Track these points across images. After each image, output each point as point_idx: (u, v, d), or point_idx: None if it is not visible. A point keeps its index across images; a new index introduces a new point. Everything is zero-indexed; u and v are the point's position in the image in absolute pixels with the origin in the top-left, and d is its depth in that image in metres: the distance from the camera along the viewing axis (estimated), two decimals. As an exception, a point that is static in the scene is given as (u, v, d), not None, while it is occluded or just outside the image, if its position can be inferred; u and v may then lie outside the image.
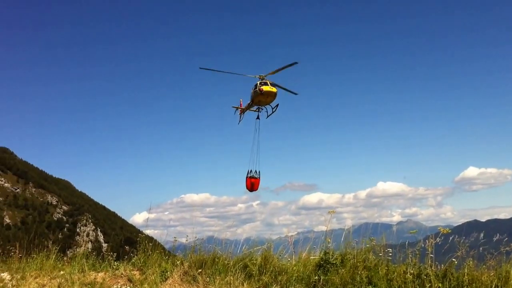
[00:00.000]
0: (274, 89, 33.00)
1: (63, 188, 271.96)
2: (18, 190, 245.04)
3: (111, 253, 18.40)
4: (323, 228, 17.25)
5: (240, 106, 38.66)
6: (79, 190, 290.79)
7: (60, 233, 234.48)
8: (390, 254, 15.33)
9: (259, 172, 34.19)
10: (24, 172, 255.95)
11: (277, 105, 34.86)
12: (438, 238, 15.02)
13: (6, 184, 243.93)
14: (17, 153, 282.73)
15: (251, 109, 36.71)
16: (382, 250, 15.47)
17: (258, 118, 35.62)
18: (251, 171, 34.20)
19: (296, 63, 33.88)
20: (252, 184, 33.86)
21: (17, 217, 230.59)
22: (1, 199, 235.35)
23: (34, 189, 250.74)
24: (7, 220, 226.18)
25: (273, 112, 34.86)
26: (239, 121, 38.86)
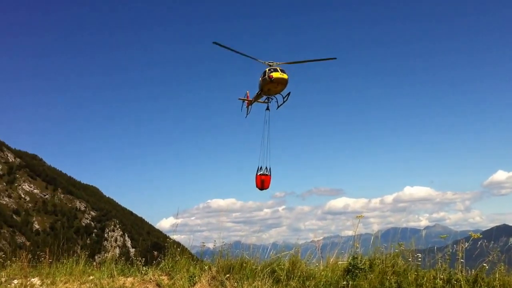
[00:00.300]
0: (285, 76, 30.38)
1: (91, 194, 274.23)
2: (47, 196, 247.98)
3: (139, 258, 18.52)
4: (350, 233, 17.14)
5: (247, 98, 36.92)
6: (107, 196, 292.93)
7: (88, 239, 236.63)
8: (420, 259, 15.15)
9: (269, 169, 32.28)
10: (53, 179, 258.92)
11: (288, 94, 32.32)
12: (467, 243, 14.83)
13: (35, 190, 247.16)
14: (46, 160, 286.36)
15: (259, 100, 34.90)
16: (411, 255, 15.29)
17: (267, 109, 33.36)
18: (261, 168, 32.30)
19: (334, 58, 32.73)
20: (262, 182, 31.96)
21: (46, 223, 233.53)
22: (30, 205, 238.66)
23: (62, 195, 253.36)
24: (36, 226, 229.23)
25: (284, 102, 32.47)
26: (247, 114, 36.95)
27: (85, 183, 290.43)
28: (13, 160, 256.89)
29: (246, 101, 36.94)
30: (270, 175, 32.12)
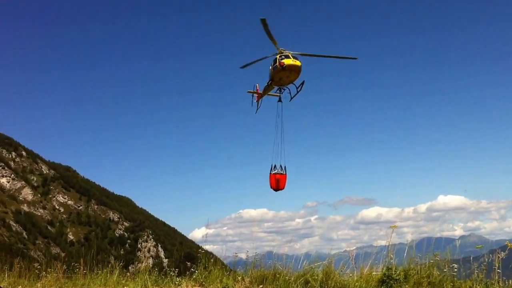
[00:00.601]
0: (298, 62, 27.73)
1: (124, 205, 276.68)
2: (81, 207, 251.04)
3: (173, 268, 18.60)
4: (383, 242, 16.96)
5: (257, 91, 34.27)
6: (140, 207, 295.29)
7: (122, 249, 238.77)
8: (455, 269, 14.92)
9: (285, 167, 29.56)
10: (87, 190, 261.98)
11: (302, 83, 29.57)
12: (503, 252, 14.56)
13: (69, 202, 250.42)
14: (80, 171, 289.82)
15: (270, 93, 32.47)
16: (446, 266, 15.07)
17: (280, 100, 30.57)
18: (275, 166, 29.52)
19: (355, 58, 30.40)
20: (277, 181, 29.25)
21: (80, 234, 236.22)
22: (64, 216, 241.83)
23: (96, 206, 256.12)
24: (70, 236, 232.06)
25: (298, 93, 29.83)
26: (257, 109, 34.24)
27: (118, 194, 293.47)
28: (48, 172, 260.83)
29: (256, 95, 34.49)
30: (285, 173, 29.59)
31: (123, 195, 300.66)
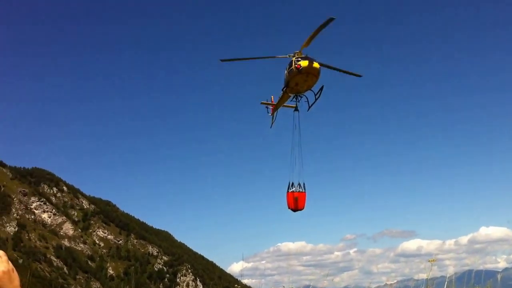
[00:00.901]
0: (316, 65, 24.68)
1: (164, 239, 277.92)
2: (120, 241, 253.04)
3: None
4: (424, 275, 16.25)
5: (271, 102, 31.12)
6: (179, 241, 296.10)
7: (161, 284, 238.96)
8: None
9: (303, 184, 26.56)
10: (126, 224, 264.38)
11: (321, 89, 26.57)
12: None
13: (109, 236, 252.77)
14: (119, 206, 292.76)
15: (286, 104, 29.33)
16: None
17: (296, 109, 27.94)
18: (292, 184, 26.72)
19: (332, 19, 24.52)
20: (295, 201, 26.22)
21: (120, 268, 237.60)
22: (104, 250, 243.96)
23: (135, 240, 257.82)
24: (110, 271, 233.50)
25: (316, 100, 26.67)
26: (272, 123, 31.26)
27: (157, 228, 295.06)
28: (88, 206, 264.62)
29: (271, 107, 31.39)
30: (304, 191, 26.65)
31: (162, 229, 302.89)
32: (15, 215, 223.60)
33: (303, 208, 26.47)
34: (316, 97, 26.47)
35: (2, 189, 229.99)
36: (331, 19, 24.50)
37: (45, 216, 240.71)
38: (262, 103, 31.63)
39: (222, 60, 27.74)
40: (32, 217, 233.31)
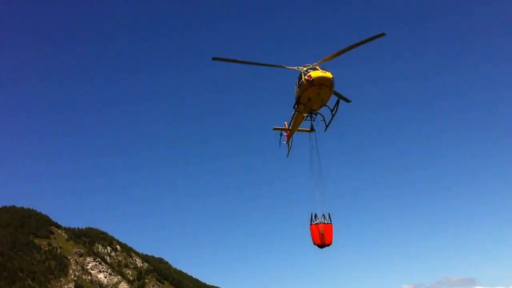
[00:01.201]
0: (328, 74, 22.08)
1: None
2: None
3: None
4: None
5: (285, 127, 28.63)
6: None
7: None
8: None
9: (328, 214, 23.67)
10: (180, 282, 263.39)
11: (337, 101, 24.22)
12: None
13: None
14: (172, 263, 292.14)
15: (301, 128, 26.53)
16: None
17: (312, 129, 25.58)
18: (315, 215, 23.88)
19: (383, 34, 23.51)
20: (321, 235, 22.82)
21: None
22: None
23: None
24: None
25: (334, 116, 23.73)
26: (288, 151, 29.02)
27: (209, 284, 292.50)
28: (142, 265, 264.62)
29: (286, 133, 29.03)
30: (330, 223, 23.36)
31: (215, 285, 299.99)
32: (72, 276, 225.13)
33: (331, 243, 23.44)
34: (333, 113, 23.58)
35: (59, 251, 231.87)
36: (381, 34, 23.31)
37: (101, 276, 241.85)
38: (274, 128, 28.71)
39: (214, 59, 26.29)
40: (89, 277, 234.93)
